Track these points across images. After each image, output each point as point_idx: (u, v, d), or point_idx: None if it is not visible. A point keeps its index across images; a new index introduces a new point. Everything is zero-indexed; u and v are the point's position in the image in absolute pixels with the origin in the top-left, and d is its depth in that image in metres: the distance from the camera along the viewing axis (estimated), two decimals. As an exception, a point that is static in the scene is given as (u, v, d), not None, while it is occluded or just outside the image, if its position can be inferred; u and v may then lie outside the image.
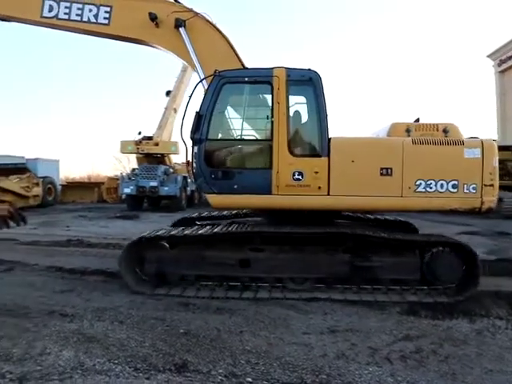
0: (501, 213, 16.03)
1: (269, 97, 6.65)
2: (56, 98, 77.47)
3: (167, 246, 6.74)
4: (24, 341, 4.52)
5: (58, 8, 7.48)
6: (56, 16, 7.51)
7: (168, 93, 22.68)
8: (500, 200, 13.39)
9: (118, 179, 24.91)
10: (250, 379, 3.84)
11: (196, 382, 3.77)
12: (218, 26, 7.31)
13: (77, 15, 7.45)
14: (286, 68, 6.57)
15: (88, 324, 5.09)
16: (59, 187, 27.17)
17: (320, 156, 6.49)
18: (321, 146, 6.53)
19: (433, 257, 6.48)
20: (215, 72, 6.60)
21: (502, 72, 31.64)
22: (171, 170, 21.99)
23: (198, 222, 8.28)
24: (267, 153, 6.55)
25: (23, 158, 27.65)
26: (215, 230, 6.79)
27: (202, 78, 6.90)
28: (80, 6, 7.43)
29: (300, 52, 69.17)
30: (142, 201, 22.22)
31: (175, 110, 22.36)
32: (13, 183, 20.50)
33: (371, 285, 6.45)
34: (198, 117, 6.50)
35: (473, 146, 6.41)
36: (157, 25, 7.21)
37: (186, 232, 6.73)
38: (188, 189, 21.97)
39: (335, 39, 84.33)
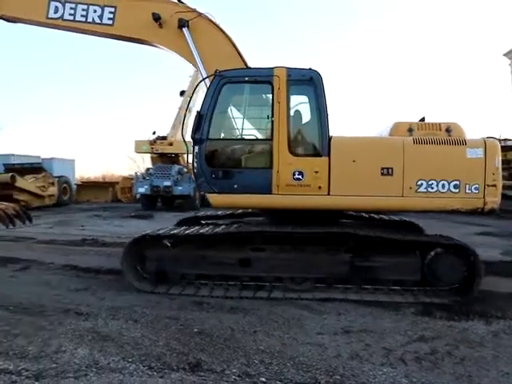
0: None
1: (269, 96, 6.64)
2: (71, 97, 78.09)
3: (169, 244, 6.80)
4: (40, 339, 4.56)
5: (64, 9, 7.56)
6: (61, 17, 7.59)
7: (182, 92, 22.74)
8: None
9: (132, 179, 25.02)
10: (263, 379, 3.83)
11: (210, 382, 3.77)
12: (222, 26, 7.33)
13: (82, 16, 7.52)
14: (286, 68, 6.57)
15: (103, 322, 5.12)
16: (74, 187, 27.39)
17: (320, 156, 6.48)
18: (321, 146, 6.51)
19: (433, 258, 6.43)
20: (216, 72, 6.61)
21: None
22: (185, 170, 22.03)
23: (202, 221, 8.31)
24: (267, 152, 6.56)
25: (39, 157, 28.01)
26: (215, 229, 6.81)
27: (204, 77, 6.92)
28: (85, 7, 7.50)
29: (302, 51, 68.97)
30: (156, 200, 22.30)
31: (189, 110, 22.38)
32: (29, 183, 20.70)
33: (371, 285, 6.41)
34: (199, 117, 6.52)
35: (475, 145, 6.35)
36: (160, 25, 7.24)
37: (187, 231, 6.79)
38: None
39: (338, 37, 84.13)
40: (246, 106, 7.08)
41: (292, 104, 6.72)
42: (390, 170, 6.35)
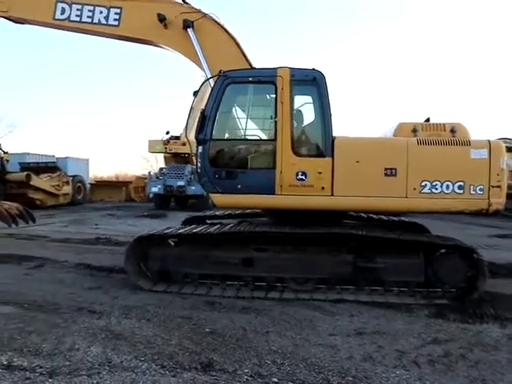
0: None
1: (273, 97, 6.64)
2: (85, 97, 78.66)
3: (172, 243, 6.86)
4: (53, 336, 4.59)
5: (70, 10, 7.63)
6: (68, 18, 7.67)
7: (195, 92, 22.81)
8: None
9: (145, 178, 25.15)
10: (275, 379, 3.82)
11: (222, 381, 3.77)
12: (226, 26, 7.35)
13: (88, 17, 7.59)
14: (290, 68, 6.56)
15: (116, 321, 5.14)
16: (88, 186, 27.61)
17: (324, 156, 6.46)
18: (325, 146, 6.50)
19: (437, 259, 6.37)
20: (220, 72, 6.63)
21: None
22: (198, 170, 22.08)
23: (208, 221, 8.33)
24: (271, 153, 6.56)
25: (54, 156, 28.28)
26: (216, 230, 6.81)
27: (208, 77, 6.94)
28: (91, 8, 7.56)
29: (305, 51, 68.87)
30: (170, 200, 22.39)
31: (202, 110, 22.42)
32: (44, 182, 20.90)
33: (374, 286, 6.38)
34: (203, 117, 6.54)
35: (479, 146, 6.30)
36: (165, 26, 7.27)
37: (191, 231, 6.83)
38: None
39: (342, 37, 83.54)
40: (249, 107, 7.09)
41: (295, 104, 6.72)
42: (393, 171, 6.32)
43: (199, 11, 7.25)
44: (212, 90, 6.66)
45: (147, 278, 6.70)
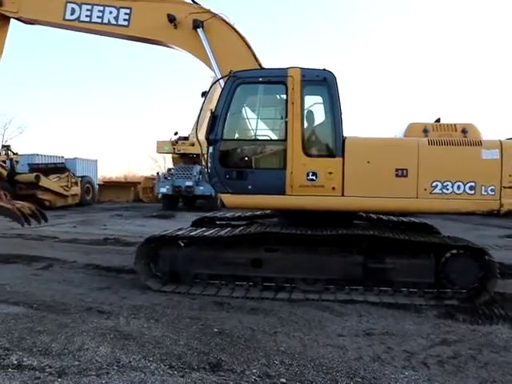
0: None
1: (283, 97, 6.62)
2: (95, 97, 79.07)
3: (182, 244, 6.85)
4: (63, 336, 4.61)
5: (80, 11, 7.64)
6: (78, 18, 7.68)
7: (204, 93, 22.83)
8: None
9: (154, 179, 25.21)
10: (283, 380, 3.82)
11: (230, 382, 3.77)
12: (236, 26, 7.34)
13: (98, 17, 7.59)
14: (300, 68, 6.54)
15: (124, 321, 5.16)
16: (97, 186, 27.73)
17: (334, 156, 6.44)
18: (335, 147, 6.47)
19: (447, 260, 6.32)
20: (230, 72, 6.62)
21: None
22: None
23: (217, 222, 8.33)
24: (281, 153, 6.54)
25: (62, 157, 28.44)
26: (223, 231, 6.83)
27: (218, 78, 6.93)
28: (101, 8, 7.57)
29: (315, 51, 68.93)
30: (178, 200, 22.43)
31: (211, 111, 22.46)
32: (53, 182, 21.01)
33: (384, 287, 6.36)
34: (213, 117, 6.53)
35: (491, 146, 6.26)
36: (175, 26, 7.26)
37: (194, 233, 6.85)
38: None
39: (353, 37, 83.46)
40: (260, 107, 7.06)
41: (306, 104, 6.69)
42: (404, 172, 6.29)
43: (209, 11, 7.24)
44: (222, 91, 6.65)
45: (156, 279, 6.71)
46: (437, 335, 4.95)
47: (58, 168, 22.92)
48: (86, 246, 10.58)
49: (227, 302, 6.02)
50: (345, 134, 6.49)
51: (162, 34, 7.49)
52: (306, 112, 6.70)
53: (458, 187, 6.24)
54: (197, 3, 7.35)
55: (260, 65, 7.15)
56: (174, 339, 4.63)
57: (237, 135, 7.12)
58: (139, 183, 29.09)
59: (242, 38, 7.24)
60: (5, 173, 19.34)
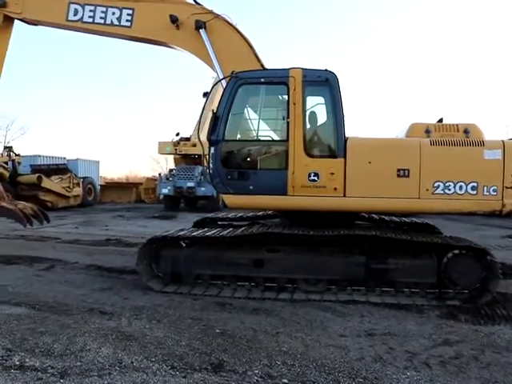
0: None
1: (285, 97, 6.63)
2: (96, 98, 79.14)
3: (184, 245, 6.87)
4: (65, 337, 4.61)
5: (83, 12, 7.66)
6: (81, 19, 7.70)
7: (205, 94, 22.84)
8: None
9: (155, 180, 25.23)
10: (285, 380, 3.82)
11: (232, 382, 3.77)
12: (239, 27, 7.34)
13: (101, 18, 7.61)
14: (302, 69, 6.55)
15: (126, 322, 5.16)
16: (98, 187, 27.75)
17: (336, 157, 6.45)
18: (337, 147, 6.48)
19: (449, 260, 6.32)
20: (232, 73, 6.63)
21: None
22: (208, 171, 22.08)
23: (219, 223, 8.34)
24: (283, 153, 6.55)
25: (64, 158, 28.47)
26: (226, 232, 6.82)
27: (220, 78, 6.94)
28: (104, 9, 7.59)
29: (317, 52, 68.99)
30: (179, 201, 22.42)
31: (213, 111, 22.45)
32: (54, 183, 21.02)
33: (386, 287, 6.37)
34: (215, 118, 6.54)
35: (493, 147, 6.26)
36: (177, 27, 7.26)
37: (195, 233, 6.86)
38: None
39: (355, 37, 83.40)
40: (261, 107, 7.04)
41: (308, 105, 6.69)
42: (406, 172, 6.29)
43: (211, 12, 7.24)
44: (224, 91, 6.66)
45: (158, 279, 6.71)
46: (439, 335, 4.94)
47: (59, 169, 22.92)
48: (88, 247, 10.58)
49: (229, 302, 6.02)
50: (347, 135, 6.49)
51: (164, 35, 7.50)
52: (307, 112, 6.70)
53: (460, 187, 6.24)
54: (199, 4, 7.36)
55: (262, 65, 7.15)
56: (175, 340, 4.64)
57: (238, 136, 7.12)
58: (141, 184, 29.11)
59: (245, 39, 7.24)
60: (7, 174, 19.34)
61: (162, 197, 22.27)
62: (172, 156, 24.78)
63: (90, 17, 7.64)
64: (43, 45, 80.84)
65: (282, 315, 5.53)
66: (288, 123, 6.47)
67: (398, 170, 6.31)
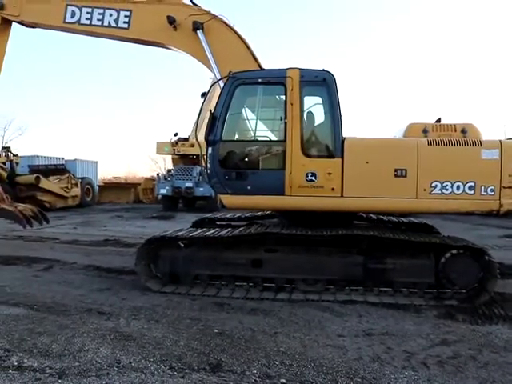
0: None
1: (282, 98, 6.64)
2: (94, 98, 79.09)
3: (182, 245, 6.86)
4: (63, 337, 4.62)
5: (80, 14, 7.68)
6: (78, 21, 7.72)
7: (203, 94, 22.83)
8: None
9: (154, 180, 25.21)
10: (284, 380, 3.83)
11: (230, 382, 3.77)
12: (236, 27, 7.37)
13: (98, 20, 7.63)
14: (299, 69, 6.56)
15: (124, 322, 5.17)
16: (97, 188, 27.72)
17: (333, 157, 6.46)
18: (334, 147, 6.49)
19: (447, 260, 6.31)
20: (229, 73, 6.64)
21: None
22: (206, 171, 22.07)
23: (218, 223, 8.34)
24: (280, 154, 6.56)
25: (63, 159, 28.44)
26: (224, 232, 6.82)
27: (218, 79, 6.95)
28: (101, 11, 7.61)
29: (315, 52, 69.02)
30: (178, 201, 22.41)
31: (211, 112, 22.44)
32: (53, 184, 21.01)
33: (384, 287, 6.37)
34: (213, 118, 6.55)
35: (491, 146, 6.28)
36: (175, 28, 7.28)
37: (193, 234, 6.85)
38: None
39: (353, 38, 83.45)
40: (259, 108, 7.05)
41: (305, 105, 6.71)
42: (403, 172, 6.31)
43: (208, 13, 7.25)
44: (221, 92, 6.67)
45: (157, 280, 6.72)
46: (437, 335, 4.95)
47: (58, 169, 22.91)
48: (87, 248, 10.58)
49: (227, 302, 6.03)
50: (344, 135, 6.49)
51: (161, 36, 7.50)
52: (305, 113, 6.71)
53: (458, 187, 6.25)
54: (196, 5, 7.37)
55: (260, 66, 7.16)
56: (174, 340, 4.64)
57: (236, 136, 7.14)
58: (139, 184, 29.08)
59: (242, 40, 7.25)
60: (5, 174, 19.34)
61: (160, 197, 22.23)
62: (170, 156, 24.73)
63: (87, 19, 7.65)
64: (41, 45, 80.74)
65: (280, 315, 5.54)
66: (285, 123, 6.48)
67: (396, 170, 6.32)
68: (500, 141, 6.39)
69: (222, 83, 6.80)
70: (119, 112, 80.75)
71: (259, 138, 7.07)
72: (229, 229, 7.13)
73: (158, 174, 24.53)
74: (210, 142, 6.60)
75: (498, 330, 5.15)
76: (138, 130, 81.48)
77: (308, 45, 78.46)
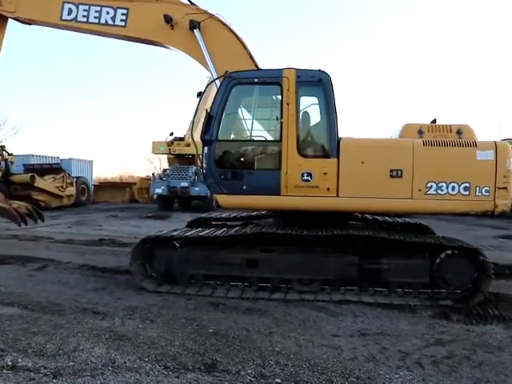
0: None
1: (279, 98, 6.64)
2: (88, 97, 78.88)
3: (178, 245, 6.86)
4: (58, 337, 4.60)
5: (77, 11, 7.67)
6: (75, 19, 7.71)
7: (199, 94, 22.80)
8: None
9: (149, 180, 25.18)
10: (278, 380, 3.82)
11: (225, 382, 3.77)
12: (233, 27, 7.37)
13: (95, 18, 7.62)
14: (295, 69, 6.57)
15: (119, 322, 5.15)
16: (92, 187, 27.66)
17: (329, 157, 6.47)
18: (330, 147, 6.50)
19: (442, 260, 6.33)
20: (226, 73, 6.64)
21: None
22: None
23: (213, 223, 8.34)
24: (276, 153, 6.57)
25: (58, 158, 28.36)
26: (219, 232, 6.81)
27: (214, 78, 6.94)
28: (98, 8, 7.60)
29: (311, 52, 69.04)
30: (173, 201, 22.39)
31: (207, 111, 22.41)
32: (48, 183, 20.94)
33: (379, 287, 6.39)
34: (209, 118, 6.54)
35: (486, 147, 6.30)
36: (172, 26, 7.28)
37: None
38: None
39: (349, 39, 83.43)
40: (255, 108, 7.06)
41: (301, 105, 6.71)
42: (399, 172, 6.32)
43: (205, 12, 7.26)
44: (218, 91, 6.67)
45: (152, 279, 6.70)
46: (431, 335, 4.97)
47: (53, 168, 22.84)
48: (81, 247, 10.55)
49: (222, 302, 6.02)
50: (340, 135, 6.50)
51: (158, 35, 7.50)
52: (301, 113, 6.71)
53: (453, 188, 6.27)
54: (194, 4, 7.37)
55: (256, 65, 7.17)
56: (169, 340, 4.63)
57: (232, 136, 7.13)
58: (135, 184, 29.03)
59: (239, 39, 7.25)
60: (-1, 173, 19.29)
61: (155, 197, 22.24)
62: (166, 156, 24.74)
63: (84, 16, 7.64)
64: (36, 44, 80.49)
65: (275, 315, 5.54)
66: (281, 123, 6.49)
67: (391, 171, 6.33)
68: (495, 142, 6.41)
69: (218, 83, 6.80)
70: (115, 111, 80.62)
71: (255, 138, 7.08)
72: (224, 229, 7.13)
73: (153, 174, 24.50)
74: (205, 142, 6.59)
75: (492, 330, 5.16)
76: (133, 129, 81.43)
77: (308, 45, 78.47)
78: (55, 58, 79.74)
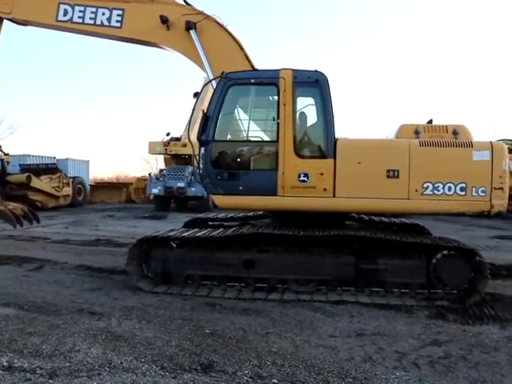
0: None
1: (275, 98, 6.65)
2: (85, 97, 78.69)
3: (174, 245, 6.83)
4: (54, 337, 4.59)
5: (73, 12, 7.64)
6: (70, 20, 7.68)
7: (196, 94, 22.78)
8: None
9: (146, 180, 25.14)
10: (275, 380, 3.83)
11: (222, 383, 3.77)
12: (229, 28, 7.37)
13: (90, 19, 7.60)
14: (292, 70, 6.57)
15: (116, 322, 5.15)
16: (88, 187, 27.60)
17: (326, 157, 6.48)
18: (327, 148, 6.51)
19: (438, 261, 6.34)
20: (222, 74, 6.64)
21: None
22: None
23: (210, 223, 8.33)
24: (273, 154, 6.58)
25: (54, 158, 28.28)
26: (216, 233, 6.81)
27: (211, 79, 6.94)
28: (93, 9, 7.57)
29: (308, 53, 68.97)
30: (170, 201, 22.35)
31: (203, 112, 22.40)
32: (44, 183, 20.87)
33: (376, 287, 6.40)
34: (205, 118, 6.54)
35: (482, 148, 6.32)
36: (168, 27, 7.27)
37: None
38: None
39: (348, 40, 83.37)
40: (251, 108, 7.07)
41: (298, 106, 6.72)
42: (395, 173, 6.34)
43: (202, 13, 7.25)
44: (214, 92, 6.67)
45: (148, 280, 6.70)
46: (428, 336, 4.98)
47: (49, 169, 22.77)
48: (78, 247, 10.54)
49: (219, 302, 6.02)
50: (337, 135, 6.51)
51: (154, 36, 7.49)
52: (297, 113, 6.72)
53: (449, 188, 6.29)
54: (190, 5, 7.36)
55: (253, 66, 7.17)
56: (165, 340, 4.63)
57: (229, 136, 7.13)
58: (131, 184, 28.97)
59: (235, 40, 7.25)
60: (-5, 174, 19.22)
61: (152, 197, 22.17)
62: (162, 156, 24.69)
63: (79, 17, 7.62)
64: (31, 44, 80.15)
65: (272, 315, 5.54)
66: (278, 124, 6.49)
67: (388, 171, 6.34)
68: (491, 142, 6.43)
69: (214, 83, 6.80)
70: (111, 112, 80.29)
71: (252, 139, 7.08)
72: (221, 229, 7.13)
73: (149, 174, 24.45)
74: (202, 142, 6.59)
75: (489, 331, 5.18)
76: (129, 129, 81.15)
77: (308, 45, 78.42)
78: (51, 58, 79.55)
